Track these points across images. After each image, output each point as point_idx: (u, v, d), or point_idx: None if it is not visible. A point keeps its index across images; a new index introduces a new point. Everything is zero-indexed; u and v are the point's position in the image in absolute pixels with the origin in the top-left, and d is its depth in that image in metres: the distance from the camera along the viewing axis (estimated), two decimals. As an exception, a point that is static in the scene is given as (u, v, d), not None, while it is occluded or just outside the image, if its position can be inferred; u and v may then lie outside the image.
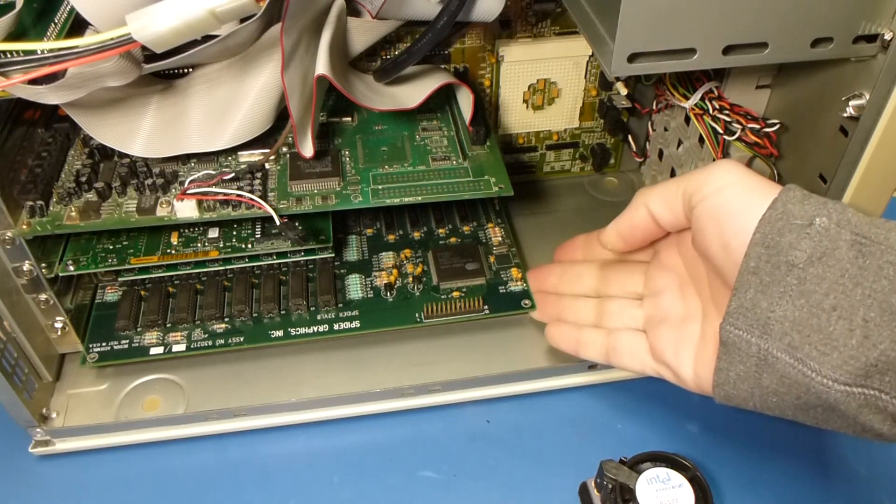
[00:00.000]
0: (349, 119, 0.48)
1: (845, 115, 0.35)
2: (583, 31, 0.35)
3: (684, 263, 0.40)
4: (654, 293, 0.41)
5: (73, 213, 0.40)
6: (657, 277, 0.41)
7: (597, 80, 0.54)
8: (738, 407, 0.34)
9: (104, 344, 0.46)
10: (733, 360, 0.32)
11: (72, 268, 0.44)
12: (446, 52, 0.50)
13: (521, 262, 0.52)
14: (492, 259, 0.52)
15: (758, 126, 0.41)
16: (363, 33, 0.44)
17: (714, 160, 0.45)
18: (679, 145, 0.52)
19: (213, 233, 0.46)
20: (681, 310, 0.39)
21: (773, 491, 0.43)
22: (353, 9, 0.43)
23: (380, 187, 0.43)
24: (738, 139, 0.42)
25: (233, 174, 0.42)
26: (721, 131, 0.43)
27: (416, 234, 0.54)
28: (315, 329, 0.47)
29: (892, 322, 0.28)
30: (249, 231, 0.47)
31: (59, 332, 0.45)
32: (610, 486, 0.40)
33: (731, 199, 0.32)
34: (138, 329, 0.47)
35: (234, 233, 0.47)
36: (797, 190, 0.31)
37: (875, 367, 0.28)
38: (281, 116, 0.43)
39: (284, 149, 0.45)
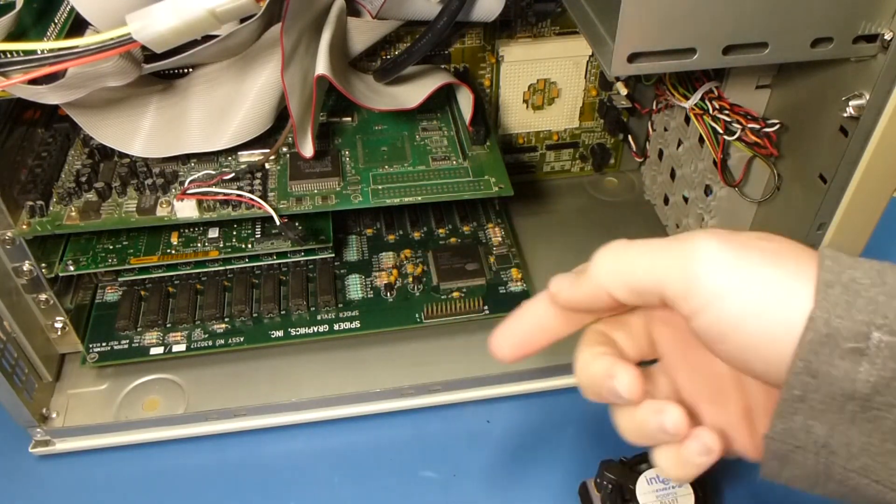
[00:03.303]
0: (349, 119, 0.48)
1: (845, 115, 0.35)
2: (583, 31, 0.35)
3: (673, 339, 0.31)
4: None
5: (73, 213, 0.40)
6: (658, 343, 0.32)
7: (597, 80, 0.54)
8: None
9: (104, 344, 0.46)
10: (786, 465, 0.27)
11: (72, 268, 0.44)
12: (446, 52, 0.50)
13: (521, 262, 0.52)
14: (492, 259, 0.52)
15: (758, 126, 0.41)
16: (363, 33, 0.44)
17: (714, 162, 0.45)
18: (679, 145, 0.52)
19: (213, 233, 0.46)
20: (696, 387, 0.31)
21: (772, 491, 0.43)
22: (353, 9, 0.43)
23: (380, 187, 0.43)
24: (738, 139, 0.42)
25: (233, 174, 0.42)
26: (721, 131, 0.43)
27: (416, 234, 0.54)
28: (315, 329, 0.47)
29: None
30: (249, 231, 0.47)
31: (59, 332, 0.45)
32: (610, 486, 0.40)
33: (741, 306, 0.25)
34: (138, 329, 0.47)
35: (234, 233, 0.47)
36: (836, 285, 0.24)
37: None
38: (281, 116, 0.43)
39: (284, 149, 0.45)
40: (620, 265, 0.28)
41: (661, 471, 0.30)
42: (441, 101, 0.49)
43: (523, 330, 0.33)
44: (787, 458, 0.26)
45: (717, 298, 0.25)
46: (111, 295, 0.49)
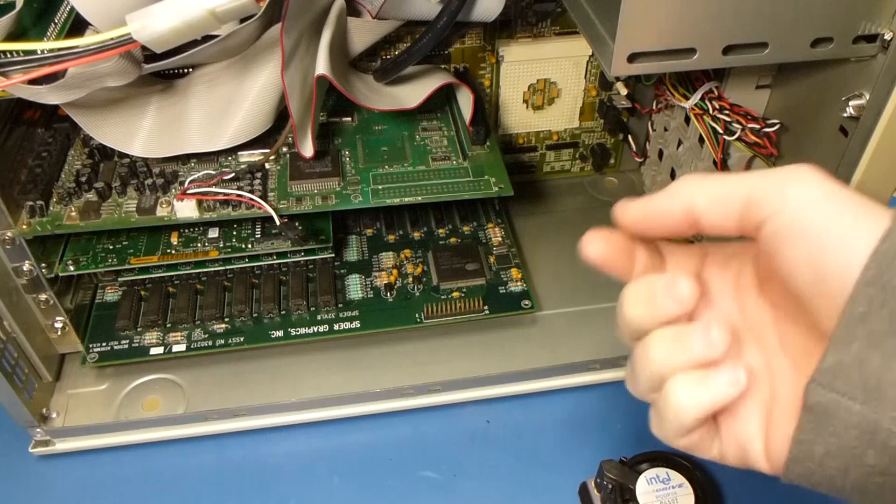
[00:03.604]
0: (349, 119, 0.48)
1: (845, 115, 0.35)
2: (583, 31, 0.35)
3: (734, 285, 0.30)
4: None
5: (73, 213, 0.40)
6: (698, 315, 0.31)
7: (597, 80, 0.54)
8: (810, 488, 0.27)
9: (104, 344, 0.46)
10: (823, 430, 0.25)
11: (72, 268, 0.44)
12: (446, 52, 0.50)
13: (521, 262, 0.52)
14: (492, 259, 0.52)
15: (758, 126, 0.41)
16: (363, 33, 0.44)
17: (715, 162, 0.45)
18: (679, 145, 0.52)
19: (213, 233, 0.46)
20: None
21: (772, 491, 0.43)
22: (353, 9, 0.43)
23: (380, 187, 0.43)
24: (738, 139, 0.42)
25: (233, 174, 0.42)
26: (721, 131, 0.43)
27: (416, 234, 0.54)
28: (315, 329, 0.47)
29: None
30: (249, 231, 0.47)
31: (59, 332, 0.45)
32: (610, 486, 0.40)
33: (825, 216, 0.25)
34: (138, 329, 0.47)
35: (234, 233, 0.47)
36: None
37: None
38: (281, 116, 0.43)
39: (284, 149, 0.45)
40: (707, 177, 0.28)
41: (673, 404, 0.28)
42: (441, 101, 0.49)
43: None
44: (828, 418, 0.24)
45: (803, 200, 0.25)
46: (111, 295, 0.49)
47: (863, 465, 0.24)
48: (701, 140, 0.47)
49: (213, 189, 0.41)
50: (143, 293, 0.49)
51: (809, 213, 0.25)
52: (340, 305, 0.49)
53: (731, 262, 0.31)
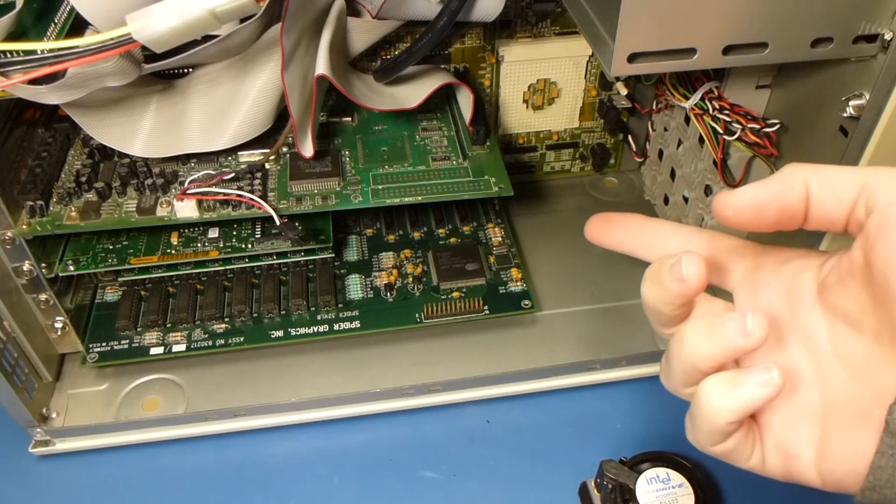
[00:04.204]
0: (349, 119, 0.48)
1: (845, 115, 0.35)
2: (583, 31, 0.35)
3: (787, 291, 0.29)
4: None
5: (73, 213, 0.40)
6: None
7: (597, 80, 0.54)
8: None
9: (104, 344, 0.46)
10: None
11: (72, 268, 0.44)
12: (446, 52, 0.50)
13: (521, 262, 0.52)
14: (492, 259, 0.52)
15: (758, 126, 0.41)
16: (363, 33, 0.44)
17: (714, 162, 0.45)
18: (679, 145, 0.52)
19: (213, 233, 0.46)
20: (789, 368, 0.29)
21: (772, 490, 0.43)
22: (353, 9, 0.43)
23: (380, 187, 0.43)
24: (738, 139, 0.42)
25: (233, 174, 0.42)
26: (721, 131, 0.43)
27: (416, 234, 0.54)
28: (315, 329, 0.47)
29: None
30: (249, 231, 0.47)
31: (59, 332, 0.45)
32: (610, 486, 0.40)
33: None
34: (138, 329, 0.47)
35: (234, 233, 0.47)
36: None
37: None
38: (281, 116, 0.43)
39: (284, 149, 0.45)
40: (820, 165, 0.27)
41: (705, 406, 0.27)
42: (441, 101, 0.49)
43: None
44: None
45: None
46: (111, 295, 0.49)
47: None
48: (701, 140, 0.47)
49: (213, 189, 0.41)
50: (143, 293, 0.49)
51: None
52: (340, 305, 0.49)
53: (785, 267, 0.30)
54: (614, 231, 0.34)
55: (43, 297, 0.43)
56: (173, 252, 0.45)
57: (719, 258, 0.31)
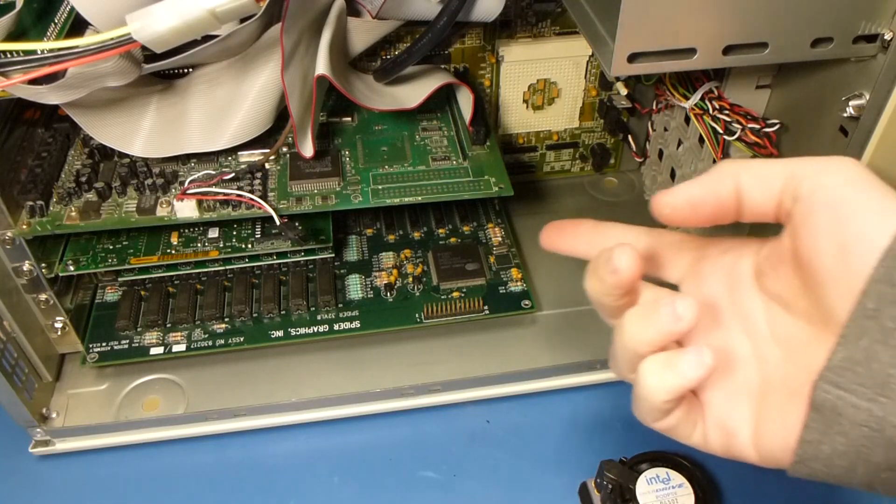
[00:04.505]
0: (349, 119, 0.48)
1: (845, 115, 0.35)
2: (583, 31, 0.35)
3: (727, 278, 0.31)
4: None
5: (73, 213, 0.40)
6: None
7: (597, 80, 0.54)
8: (820, 481, 0.27)
9: (104, 344, 0.46)
10: (830, 430, 0.25)
11: (72, 268, 0.44)
12: (446, 52, 0.50)
13: (521, 262, 0.52)
14: (492, 259, 0.52)
15: (758, 126, 0.41)
16: (363, 33, 0.44)
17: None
18: (679, 145, 0.52)
19: (213, 233, 0.46)
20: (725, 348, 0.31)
21: (773, 491, 0.43)
22: (353, 9, 0.43)
23: (380, 187, 0.43)
24: (738, 139, 0.42)
25: (233, 174, 0.42)
26: (721, 131, 0.43)
27: (416, 234, 0.54)
28: (315, 329, 0.47)
29: None
30: (249, 231, 0.47)
31: (59, 332, 0.45)
32: (610, 486, 0.40)
33: (857, 196, 0.25)
34: (138, 329, 0.47)
35: (234, 233, 0.47)
36: None
37: None
38: (281, 116, 0.43)
39: (284, 149, 0.45)
40: (749, 160, 0.29)
41: (643, 386, 0.28)
42: (441, 101, 0.49)
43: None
44: (836, 416, 0.24)
45: (840, 180, 0.26)
46: (111, 295, 0.49)
47: (870, 463, 0.25)
48: (701, 140, 0.47)
49: (213, 189, 0.41)
50: (143, 293, 0.49)
51: (844, 192, 0.26)
52: (340, 305, 0.49)
53: (726, 256, 0.31)
54: (567, 238, 0.36)
55: (43, 297, 0.43)
56: (173, 252, 0.45)
57: (665, 252, 0.33)
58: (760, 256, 0.30)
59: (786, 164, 0.28)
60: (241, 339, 0.47)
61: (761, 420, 0.28)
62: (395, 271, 0.51)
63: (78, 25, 0.36)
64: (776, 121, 0.41)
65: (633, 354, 0.29)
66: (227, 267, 0.48)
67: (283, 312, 0.48)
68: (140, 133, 0.42)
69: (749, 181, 0.29)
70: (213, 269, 0.48)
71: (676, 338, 0.28)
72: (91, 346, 0.46)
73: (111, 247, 0.45)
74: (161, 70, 0.39)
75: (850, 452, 0.25)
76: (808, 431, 0.25)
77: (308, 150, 0.41)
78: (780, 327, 0.29)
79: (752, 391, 0.29)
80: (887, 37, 0.32)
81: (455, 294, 0.49)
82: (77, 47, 0.31)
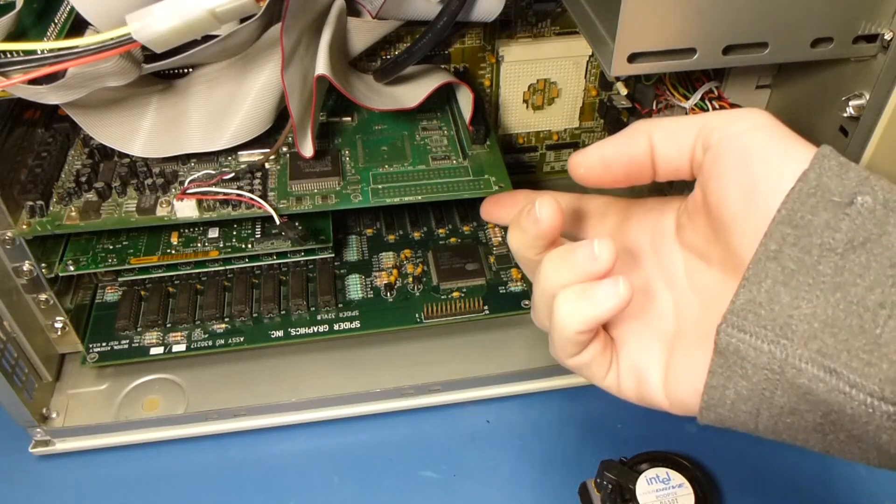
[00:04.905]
0: (349, 119, 0.48)
1: (845, 115, 0.35)
2: (583, 31, 0.35)
3: (651, 235, 0.32)
4: None
5: (73, 213, 0.40)
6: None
7: (597, 80, 0.54)
8: (730, 429, 0.27)
9: (104, 344, 0.46)
10: (733, 373, 0.25)
11: (72, 268, 0.44)
12: (446, 52, 0.50)
13: (521, 262, 0.52)
14: (492, 259, 0.52)
15: (758, 126, 0.41)
16: (363, 33, 0.44)
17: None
18: (679, 145, 0.52)
19: (213, 233, 0.46)
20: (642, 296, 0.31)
21: (772, 491, 0.43)
22: (353, 9, 0.43)
23: (380, 187, 0.43)
24: (738, 139, 0.42)
25: (233, 174, 0.42)
26: (721, 131, 0.43)
27: (416, 234, 0.54)
28: (315, 329, 0.47)
29: None
30: (249, 231, 0.47)
31: (59, 332, 0.45)
32: (610, 486, 0.40)
33: (763, 141, 0.26)
34: (138, 329, 0.47)
35: (234, 233, 0.47)
36: (833, 157, 0.25)
37: None
38: (281, 116, 0.43)
39: (284, 149, 0.45)
40: (661, 118, 0.30)
41: (556, 317, 0.28)
42: (441, 101, 0.49)
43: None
44: (739, 360, 0.25)
45: (747, 127, 0.26)
46: (111, 295, 0.49)
47: (773, 407, 0.25)
48: (701, 140, 0.47)
49: (213, 189, 0.41)
50: (143, 293, 0.49)
51: (750, 138, 0.26)
52: (340, 305, 0.49)
53: (650, 214, 0.33)
54: (504, 208, 0.38)
55: (43, 297, 0.43)
56: (173, 252, 0.45)
57: (592, 212, 0.35)
58: (679, 211, 0.31)
59: (697, 118, 0.28)
60: (241, 339, 0.47)
61: (671, 366, 0.29)
62: (395, 271, 0.51)
63: (78, 25, 0.36)
64: (776, 121, 0.41)
65: (550, 298, 0.29)
66: (227, 267, 0.48)
67: (283, 312, 0.48)
68: (140, 133, 0.42)
69: (661, 137, 0.29)
70: (213, 269, 0.48)
71: (594, 279, 0.28)
72: (91, 346, 0.46)
73: (111, 247, 0.45)
74: (161, 70, 0.38)
75: (753, 397, 0.25)
76: (713, 377, 0.26)
77: (308, 149, 0.41)
78: (697, 277, 0.29)
79: (666, 338, 0.29)
80: (887, 37, 0.32)
81: (455, 294, 0.49)
82: (77, 47, 0.31)
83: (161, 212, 0.41)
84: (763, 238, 0.25)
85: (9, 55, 0.32)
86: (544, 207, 0.29)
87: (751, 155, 0.26)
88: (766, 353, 0.24)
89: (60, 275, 0.43)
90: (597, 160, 0.31)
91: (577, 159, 0.32)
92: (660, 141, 0.29)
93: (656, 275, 0.31)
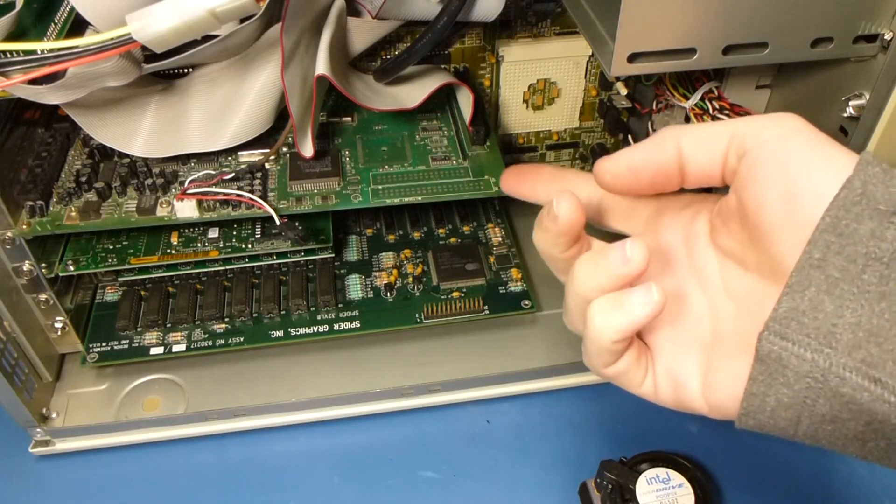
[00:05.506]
0: (349, 119, 0.48)
1: (845, 115, 0.35)
2: (583, 31, 0.35)
3: (684, 235, 0.31)
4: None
5: (73, 213, 0.40)
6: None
7: (597, 80, 0.54)
8: (768, 434, 0.27)
9: (104, 344, 0.46)
10: (775, 381, 0.25)
11: (72, 268, 0.44)
12: (446, 52, 0.50)
13: (521, 262, 0.52)
14: (492, 259, 0.52)
15: (758, 126, 0.41)
16: (363, 33, 0.44)
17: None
18: (679, 145, 0.52)
19: (213, 233, 0.46)
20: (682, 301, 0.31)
21: (773, 491, 0.43)
22: (353, 9, 0.43)
23: (380, 187, 0.43)
24: (738, 139, 0.42)
25: (233, 174, 0.42)
26: (721, 131, 0.43)
27: (416, 235, 0.54)
28: (315, 329, 0.47)
29: None
30: (249, 231, 0.47)
31: (59, 332, 0.45)
32: (610, 486, 0.40)
33: (802, 146, 0.25)
34: (138, 329, 0.47)
35: (234, 233, 0.47)
36: (876, 164, 0.24)
37: None
38: (281, 116, 0.43)
39: (284, 149, 0.45)
40: (691, 124, 0.30)
41: (590, 327, 0.28)
42: (441, 101, 0.49)
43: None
44: (781, 367, 0.24)
45: (784, 133, 0.26)
46: (111, 295, 0.49)
47: (814, 415, 0.24)
48: (701, 140, 0.47)
49: (213, 189, 0.41)
50: (143, 293, 0.49)
51: (788, 143, 0.26)
52: (340, 305, 0.49)
53: (685, 211, 0.32)
54: (527, 182, 0.36)
55: (43, 297, 0.43)
56: (173, 252, 0.45)
57: (624, 204, 0.33)
58: (713, 214, 0.30)
59: (727, 124, 0.28)
60: (241, 339, 0.47)
61: (710, 371, 0.28)
62: (395, 271, 0.51)
63: (78, 25, 0.36)
64: (776, 121, 0.41)
65: (583, 302, 0.29)
66: (227, 267, 0.48)
67: (283, 312, 0.48)
68: (140, 133, 0.42)
69: (691, 144, 0.28)
70: (213, 269, 0.48)
71: (627, 282, 0.28)
72: (91, 346, 0.46)
73: (111, 247, 0.45)
74: (161, 70, 0.38)
75: (794, 404, 0.25)
76: (754, 384, 0.25)
77: (308, 150, 0.41)
78: (733, 282, 0.29)
79: (702, 343, 0.29)
80: (887, 37, 0.32)
81: (455, 294, 0.49)
82: (77, 47, 0.31)
83: (161, 212, 0.41)
84: (807, 246, 0.24)
85: (9, 55, 0.32)
86: (563, 204, 0.29)
87: (790, 160, 0.25)
88: (808, 361, 0.24)
89: (60, 275, 0.43)
90: (624, 167, 0.30)
91: (604, 166, 0.30)
92: (689, 148, 0.28)
93: (690, 278, 0.31)
